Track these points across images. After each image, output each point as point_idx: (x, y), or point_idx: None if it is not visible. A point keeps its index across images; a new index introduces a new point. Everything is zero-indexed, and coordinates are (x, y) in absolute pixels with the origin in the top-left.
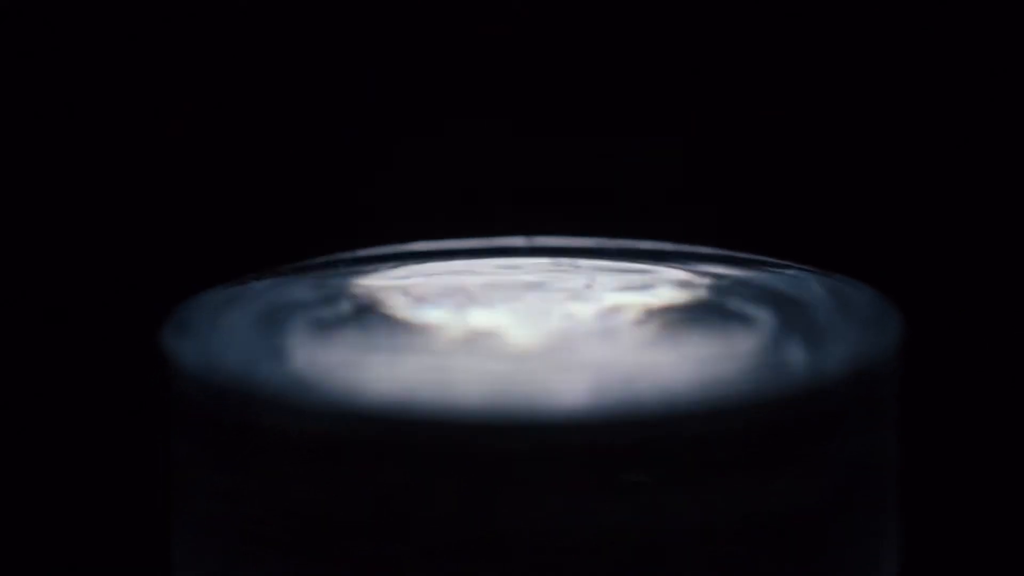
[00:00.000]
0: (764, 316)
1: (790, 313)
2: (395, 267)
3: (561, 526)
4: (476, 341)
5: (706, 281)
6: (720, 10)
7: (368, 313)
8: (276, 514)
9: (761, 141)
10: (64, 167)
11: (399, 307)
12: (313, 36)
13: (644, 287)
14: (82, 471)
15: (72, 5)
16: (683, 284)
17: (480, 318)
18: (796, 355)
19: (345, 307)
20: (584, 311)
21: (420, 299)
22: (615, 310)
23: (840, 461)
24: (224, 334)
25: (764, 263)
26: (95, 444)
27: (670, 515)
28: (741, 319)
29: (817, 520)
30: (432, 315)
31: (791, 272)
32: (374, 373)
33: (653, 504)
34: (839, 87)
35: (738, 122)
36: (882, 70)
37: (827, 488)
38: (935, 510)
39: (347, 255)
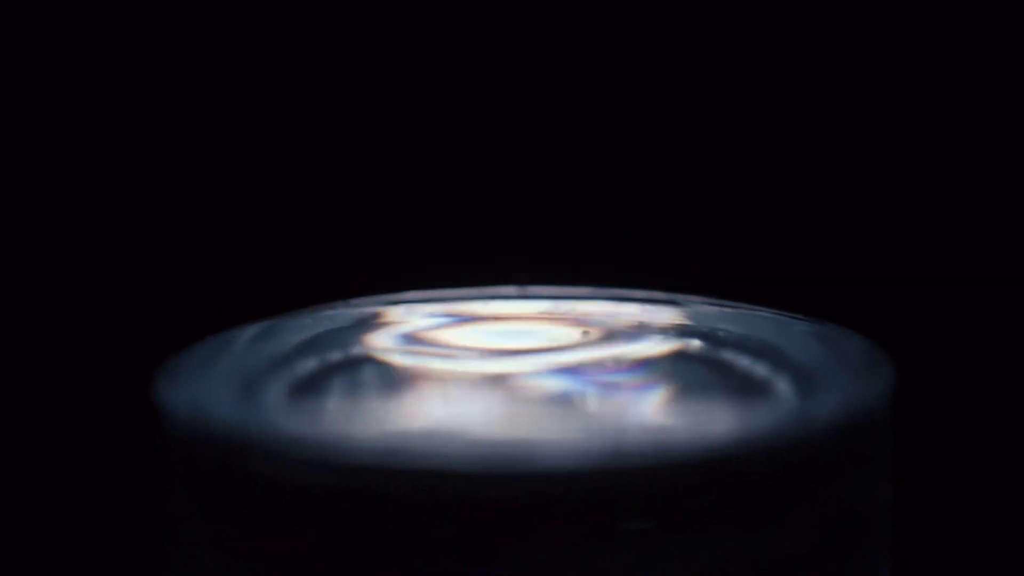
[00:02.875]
0: (756, 365)
1: (782, 362)
2: (389, 317)
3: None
4: (469, 391)
5: (698, 330)
6: (713, 65)
7: (358, 362)
8: (266, 563)
9: (754, 193)
10: (59, 222)
11: (391, 357)
12: (297, 90)
13: (636, 336)
14: (75, 520)
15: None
16: (675, 333)
17: (473, 367)
18: (788, 404)
19: (335, 357)
20: (576, 360)
21: (412, 348)
22: (607, 359)
23: (833, 508)
24: (215, 385)
25: (755, 312)
26: (87, 493)
27: (665, 564)
28: (733, 369)
29: (811, 567)
30: (424, 364)
31: (782, 321)
32: (365, 423)
33: (648, 553)
34: (828, 138)
35: (730, 173)
36: (868, 124)
37: (820, 535)
38: (928, 555)
39: (339, 305)
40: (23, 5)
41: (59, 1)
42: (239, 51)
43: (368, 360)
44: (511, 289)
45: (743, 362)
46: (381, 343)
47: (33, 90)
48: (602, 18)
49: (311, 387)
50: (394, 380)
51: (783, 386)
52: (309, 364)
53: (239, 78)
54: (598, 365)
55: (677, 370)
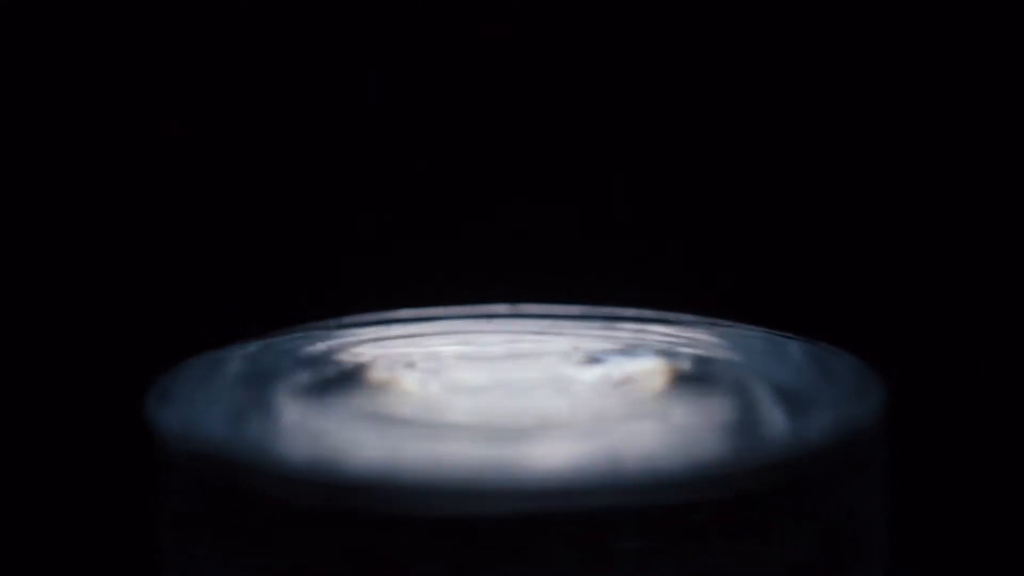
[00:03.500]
0: (747, 383)
1: (773, 380)
2: (380, 334)
3: None
4: (462, 408)
5: (689, 349)
6: (709, 83)
7: (353, 380)
8: None
9: (747, 211)
10: (53, 238)
11: (384, 374)
12: (294, 111)
13: (627, 355)
14: (69, 537)
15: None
16: (666, 351)
17: (466, 385)
18: (779, 423)
19: (328, 375)
20: (569, 379)
21: (405, 365)
22: (600, 377)
23: (826, 526)
24: (208, 402)
25: (747, 331)
26: (82, 512)
27: None
28: (724, 387)
29: None
30: (417, 381)
31: (774, 339)
32: (359, 440)
33: (643, 572)
34: (821, 158)
35: (723, 192)
36: (859, 144)
37: (814, 553)
38: (922, 573)
39: (332, 322)
40: (23, 5)
41: (60, 1)
42: (236, 67)
43: (362, 377)
44: (504, 307)
45: (735, 381)
46: (374, 360)
47: (29, 104)
48: (596, 37)
49: (304, 405)
50: (388, 397)
51: (775, 405)
52: (302, 382)
53: (236, 96)
54: (590, 381)
55: (668, 388)
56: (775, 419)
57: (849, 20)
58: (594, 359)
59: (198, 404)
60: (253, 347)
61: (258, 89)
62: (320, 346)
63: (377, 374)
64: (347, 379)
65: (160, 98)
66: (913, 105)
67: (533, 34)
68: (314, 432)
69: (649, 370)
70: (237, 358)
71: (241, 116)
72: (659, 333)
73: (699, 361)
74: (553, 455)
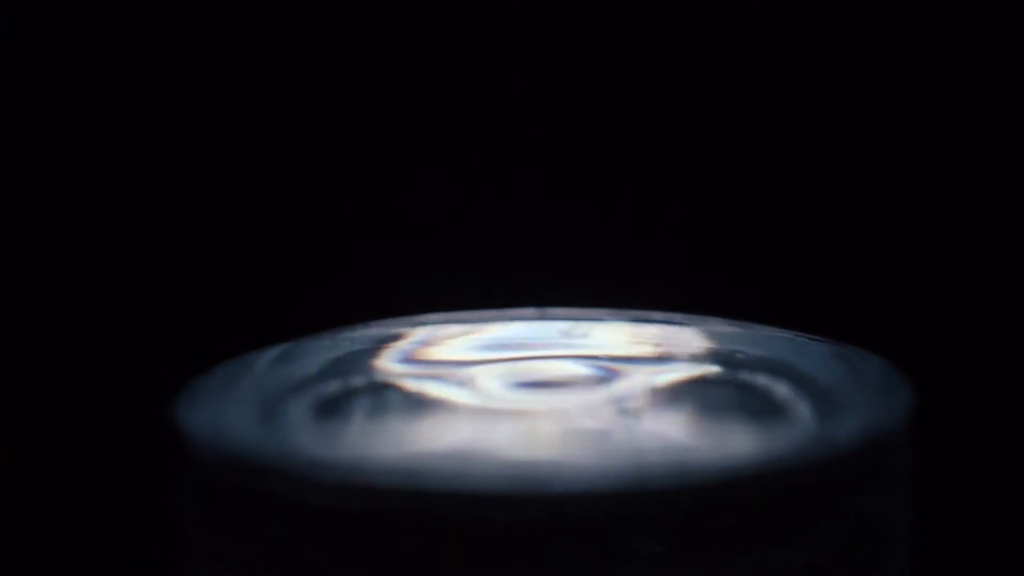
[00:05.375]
0: (775, 386)
1: (801, 383)
2: (406, 338)
3: None
4: (486, 413)
5: (717, 351)
6: (731, 86)
7: (378, 386)
8: None
9: (775, 215)
10: (78, 244)
11: (409, 379)
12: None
13: (655, 358)
14: (91, 540)
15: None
16: (694, 354)
17: (490, 389)
18: (808, 425)
19: (355, 380)
20: (595, 381)
21: (430, 371)
22: (625, 381)
23: (853, 529)
24: (234, 406)
25: (775, 333)
26: (106, 515)
27: None
28: (752, 389)
29: None
30: (441, 388)
31: (802, 342)
32: (385, 446)
33: (668, 575)
34: (849, 161)
35: (750, 195)
36: (889, 147)
37: (840, 556)
38: (948, 574)
39: (359, 327)
40: (23, 5)
41: (60, 1)
42: (253, 76)
43: (388, 382)
44: (530, 311)
45: (762, 383)
46: (401, 366)
47: (42, 112)
48: (614, 41)
49: (331, 409)
50: (414, 402)
51: (803, 407)
52: (329, 386)
53: (258, 98)
54: (616, 384)
55: (696, 392)
56: (804, 421)
57: (859, 17)
58: (622, 362)
59: (226, 407)
60: (280, 351)
61: (274, 96)
62: (348, 350)
63: (405, 378)
64: (375, 383)
65: (179, 107)
66: (937, 105)
67: (546, 34)
68: (341, 436)
69: (676, 372)
70: (265, 361)
71: (270, 128)
72: (687, 336)
73: (727, 364)
74: (578, 457)
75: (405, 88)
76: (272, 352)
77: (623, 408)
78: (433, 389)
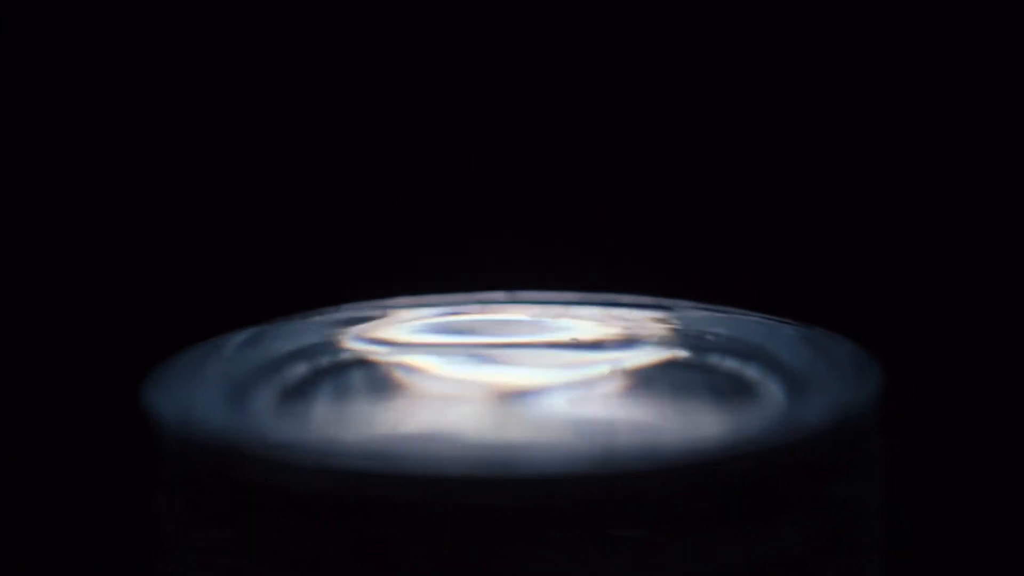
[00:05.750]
0: (745, 369)
1: (771, 366)
2: (378, 322)
3: None
4: (461, 395)
5: (687, 334)
6: (704, 72)
7: (347, 369)
8: (258, 568)
9: (743, 197)
10: (46, 228)
11: (380, 361)
12: (297, 100)
13: (626, 341)
14: (65, 527)
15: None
16: (664, 338)
17: (465, 372)
18: (777, 408)
19: (324, 363)
20: (568, 364)
21: (402, 353)
22: (598, 364)
23: (824, 511)
24: (204, 391)
25: (744, 316)
26: (77, 501)
27: (657, 568)
28: (722, 373)
29: (803, 570)
30: (415, 369)
31: (771, 325)
32: (355, 428)
33: (640, 557)
34: (815, 143)
35: (719, 178)
36: (855, 129)
37: (812, 538)
38: (921, 556)
39: (328, 310)
40: (23, 5)
41: (61, 1)
42: (233, 53)
43: (357, 365)
44: (501, 295)
45: (732, 366)
46: (370, 348)
47: (27, 102)
48: (593, 26)
49: (300, 392)
50: (384, 385)
51: (772, 390)
52: (298, 370)
53: (234, 83)
54: (589, 368)
55: (666, 375)
56: (773, 403)
57: (853, 14)
58: (592, 345)
59: (195, 391)
60: (249, 334)
61: (256, 82)
62: (317, 334)
63: (375, 361)
64: (344, 366)
65: (158, 94)
66: (909, 89)
67: (533, 23)
68: (311, 419)
69: (647, 356)
70: (233, 345)
71: (239, 108)
72: (656, 320)
73: (697, 347)
74: (549, 439)
75: (392, 79)
76: (241, 336)
77: (592, 392)
78: (403, 372)
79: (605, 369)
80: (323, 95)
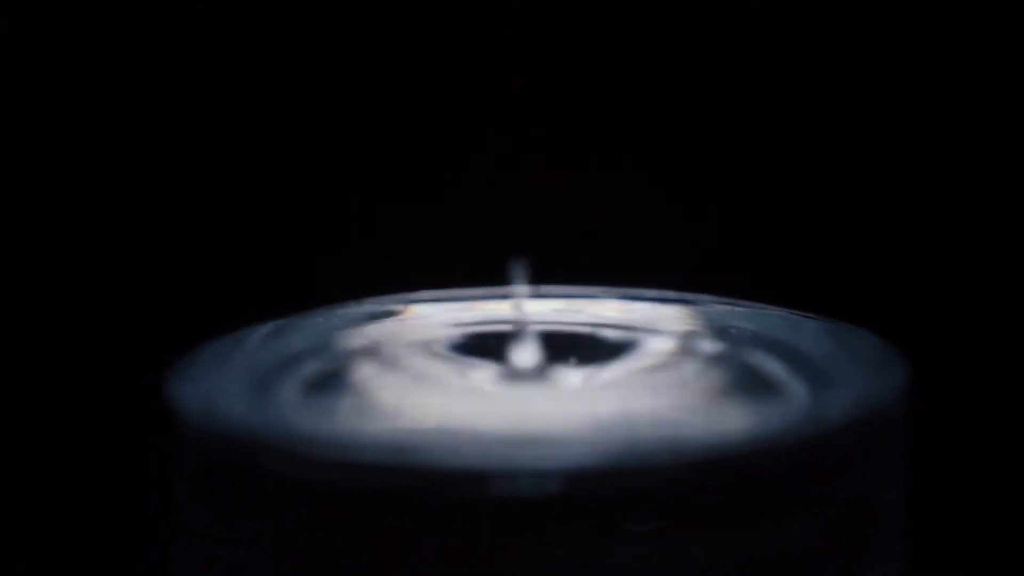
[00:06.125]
0: (769, 363)
1: (794, 359)
2: (398, 317)
3: (565, 573)
4: (478, 389)
5: (710, 329)
6: (724, 65)
7: (372, 361)
8: (277, 560)
9: (767, 192)
10: (70, 221)
11: (403, 355)
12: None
13: (648, 335)
14: (87, 517)
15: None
16: (687, 332)
17: (484, 367)
18: (801, 402)
19: (347, 357)
20: (588, 358)
21: (422, 349)
22: (619, 358)
23: (846, 505)
24: (227, 382)
25: (768, 311)
26: (99, 491)
27: (678, 560)
28: (746, 367)
29: (824, 563)
30: (435, 365)
31: (795, 319)
32: (376, 421)
33: (661, 550)
34: (840, 137)
35: (742, 173)
36: (880, 122)
37: (833, 532)
38: (941, 551)
39: (351, 304)
40: (23, 5)
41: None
42: (251, 49)
43: (379, 359)
44: (524, 288)
45: (755, 360)
46: (395, 342)
47: (40, 93)
48: (610, 16)
49: (322, 385)
50: (406, 379)
51: (796, 384)
52: (320, 363)
53: (253, 77)
54: (609, 361)
55: (688, 369)
56: (797, 397)
57: (859, 10)
58: (612, 339)
59: (218, 384)
60: (272, 327)
61: (269, 84)
62: (339, 327)
63: (395, 355)
64: (365, 360)
65: (166, 95)
66: (931, 83)
67: (533, 23)
68: (332, 412)
69: (670, 350)
70: (257, 338)
71: (263, 109)
72: (680, 315)
73: (721, 341)
74: (570, 433)
75: (403, 81)
76: (264, 329)
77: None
78: (426, 365)
79: (627, 364)
80: (343, 86)
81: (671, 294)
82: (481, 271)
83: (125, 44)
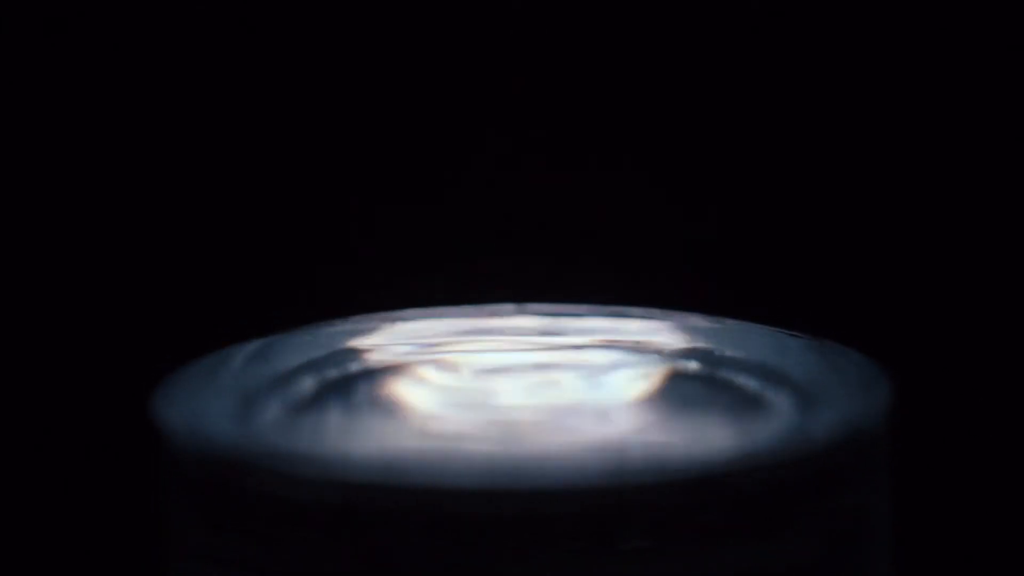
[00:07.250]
0: (754, 382)
1: (780, 378)
2: (385, 335)
3: None
4: (464, 408)
5: (696, 348)
6: (711, 79)
7: (355, 381)
8: None
9: (751, 209)
10: (54, 238)
11: (389, 374)
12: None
13: (634, 354)
14: (73, 537)
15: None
16: (673, 351)
17: (472, 385)
18: (786, 420)
19: (334, 375)
20: (574, 377)
21: (412, 366)
22: (605, 377)
23: (833, 523)
24: (213, 401)
25: (753, 328)
26: (86, 511)
27: None
28: (731, 385)
29: None
30: (423, 382)
31: (780, 337)
32: (363, 441)
33: (648, 570)
34: (824, 153)
35: (727, 189)
36: (862, 140)
37: (820, 550)
38: (928, 568)
39: (338, 321)
40: (23, 5)
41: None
42: (234, 63)
43: (366, 377)
44: (509, 306)
45: (741, 379)
46: (378, 361)
47: (31, 103)
48: (610, 16)
49: (309, 404)
50: (392, 398)
51: (781, 402)
52: (307, 382)
53: (236, 93)
54: (596, 380)
55: (675, 387)
56: (782, 416)
57: (853, 16)
58: (599, 358)
59: (203, 403)
60: (258, 346)
61: (260, 92)
62: (326, 345)
63: (383, 373)
64: (352, 378)
65: (167, 103)
66: (918, 103)
67: (533, 23)
68: (320, 431)
69: (656, 369)
70: (242, 357)
71: (246, 120)
72: (665, 333)
73: (706, 360)
74: (558, 454)
75: (398, 86)
76: (250, 347)
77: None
78: (412, 384)
79: (613, 382)
80: (323, 102)
81: (657, 312)
82: (467, 288)
83: (110, 54)
